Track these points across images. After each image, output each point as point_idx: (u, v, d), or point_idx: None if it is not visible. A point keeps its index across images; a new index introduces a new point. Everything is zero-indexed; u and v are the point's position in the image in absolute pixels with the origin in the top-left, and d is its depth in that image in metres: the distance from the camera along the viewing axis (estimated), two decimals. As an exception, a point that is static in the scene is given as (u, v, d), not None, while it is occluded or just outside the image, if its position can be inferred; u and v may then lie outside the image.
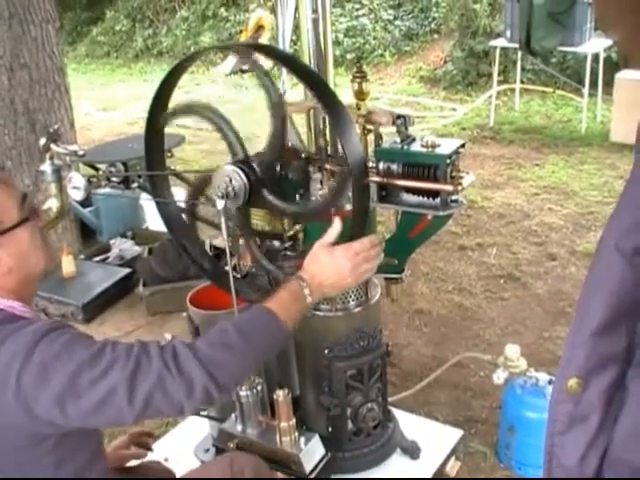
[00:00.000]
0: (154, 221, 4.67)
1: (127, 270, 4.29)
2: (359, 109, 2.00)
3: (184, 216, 2.19)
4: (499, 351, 2.70)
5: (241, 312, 1.81)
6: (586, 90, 6.53)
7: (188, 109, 2.00)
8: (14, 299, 1.57)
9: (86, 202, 4.74)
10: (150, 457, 2.11)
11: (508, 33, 6.60)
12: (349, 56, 9.42)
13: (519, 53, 6.94)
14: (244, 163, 1.89)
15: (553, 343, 3.44)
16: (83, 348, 1.44)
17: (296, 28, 2.15)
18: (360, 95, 1.99)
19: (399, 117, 1.95)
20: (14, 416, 1.41)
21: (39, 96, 4.34)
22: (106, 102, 9.44)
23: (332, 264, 1.75)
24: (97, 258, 4.52)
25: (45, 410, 1.40)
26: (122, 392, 1.40)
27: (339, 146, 2.14)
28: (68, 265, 4.20)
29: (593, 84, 6.58)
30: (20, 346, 1.41)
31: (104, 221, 4.85)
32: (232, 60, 10.04)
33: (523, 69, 7.54)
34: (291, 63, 1.88)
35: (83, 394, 1.40)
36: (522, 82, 7.58)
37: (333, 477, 2.34)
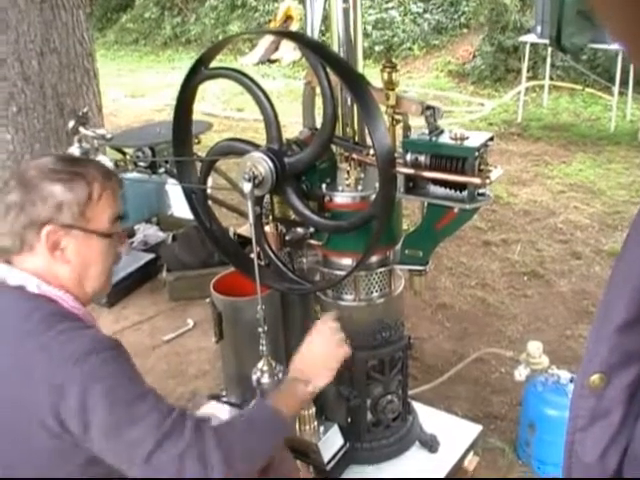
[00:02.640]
0: (179, 207, 4.69)
1: (151, 255, 4.30)
2: (388, 99, 1.99)
3: (210, 201, 2.20)
4: (521, 348, 2.68)
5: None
6: (616, 88, 6.46)
7: (229, 73, 1.99)
8: (65, 292, 1.59)
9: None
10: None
11: (538, 29, 6.55)
12: (377, 48, 9.39)
13: (549, 49, 6.88)
14: (276, 154, 1.89)
15: (575, 341, 3.41)
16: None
17: (325, 19, 2.14)
18: (389, 85, 1.98)
19: (428, 108, 1.94)
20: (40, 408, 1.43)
21: (68, 81, 4.37)
22: (134, 89, 9.49)
23: (315, 352, 1.91)
24: (121, 243, 4.53)
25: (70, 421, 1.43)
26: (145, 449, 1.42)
27: (365, 138, 2.15)
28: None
29: (623, 82, 6.51)
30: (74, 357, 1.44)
31: (129, 206, 4.85)
32: (260, 50, 10.16)
33: (552, 66, 7.48)
34: (321, 51, 1.87)
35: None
36: (551, 79, 7.52)
37: (351, 469, 2.34)
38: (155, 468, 1.42)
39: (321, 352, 1.90)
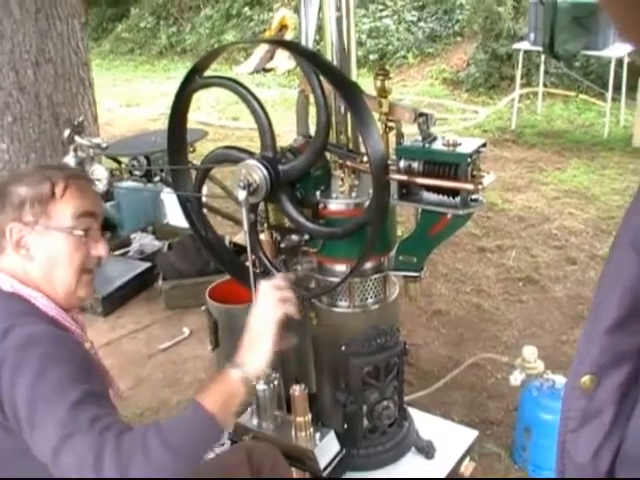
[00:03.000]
0: (174, 216, 4.70)
1: (147, 264, 4.31)
2: (381, 106, 2.00)
3: (205, 210, 2.21)
4: (516, 353, 2.69)
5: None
6: (609, 94, 6.49)
7: (224, 82, 2.01)
8: (38, 292, 1.61)
9: (107, 196, 4.78)
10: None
11: (532, 36, 6.58)
12: (372, 57, 9.41)
13: (542, 56, 6.90)
14: (270, 161, 1.91)
15: (571, 347, 3.42)
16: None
17: (319, 29, 2.16)
18: (382, 92, 1.99)
19: (421, 115, 1.96)
20: None
21: (63, 90, 4.39)
22: (129, 98, 9.50)
23: (252, 319, 1.70)
24: (117, 252, 4.54)
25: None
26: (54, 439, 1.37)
27: (359, 145, 2.16)
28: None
29: (616, 89, 6.54)
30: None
31: (125, 215, 4.88)
32: (255, 59, 10.20)
33: (546, 72, 7.50)
34: (315, 59, 1.89)
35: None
36: (545, 86, 7.54)
37: (347, 476, 2.35)
38: (62, 467, 1.37)
39: (255, 316, 1.69)
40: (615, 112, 6.80)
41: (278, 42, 2.86)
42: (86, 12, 8.12)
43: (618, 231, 0.94)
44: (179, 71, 10.70)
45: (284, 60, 10.04)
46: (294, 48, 2.10)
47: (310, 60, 1.89)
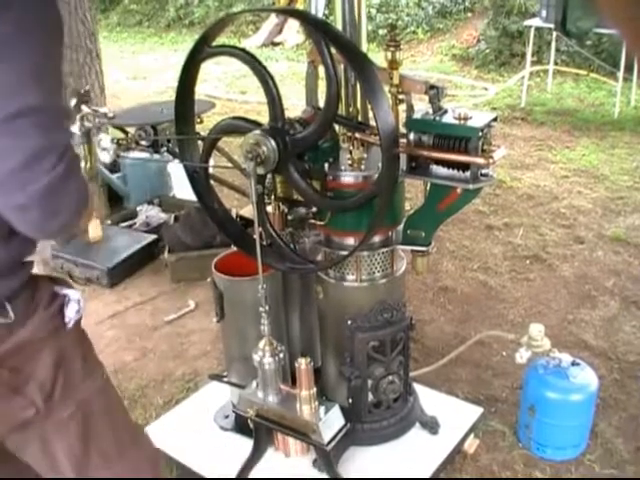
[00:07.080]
0: (181, 190, 4.68)
1: (153, 236, 4.30)
2: (392, 78, 1.98)
3: (212, 181, 2.20)
4: (522, 332, 2.68)
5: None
6: (621, 74, 6.44)
7: (232, 51, 1.98)
8: None
9: (114, 168, 4.77)
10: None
11: (543, 13, 6.51)
12: (381, 32, 9.34)
13: (554, 34, 6.84)
14: (278, 132, 1.88)
15: (577, 326, 3.41)
16: None
17: (329, 2, 2.13)
18: (393, 64, 1.97)
19: (432, 88, 1.94)
20: None
21: (71, 60, 4.35)
22: (136, 71, 9.46)
23: None
24: (124, 224, 4.54)
25: None
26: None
27: (369, 118, 2.14)
28: (95, 229, 4.19)
29: (628, 68, 6.48)
30: None
31: (131, 188, 4.87)
32: (263, 33, 10.15)
33: (557, 50, 7.44)
34: (324, 28, 1.86)
35: None
36: (556, 64, 7.48)
37: (352, 450, 2.34)
38: None
39: None
40: (626, 92, 6.75)
41: (289, 11, 2.83)
42: (94, -17, 8.07)
43: None
44: (187, 44, 10.64)
45: (293, 34, 9.99)
46: (305, 17, 2.07)
47: (320, 29, 1.86)
